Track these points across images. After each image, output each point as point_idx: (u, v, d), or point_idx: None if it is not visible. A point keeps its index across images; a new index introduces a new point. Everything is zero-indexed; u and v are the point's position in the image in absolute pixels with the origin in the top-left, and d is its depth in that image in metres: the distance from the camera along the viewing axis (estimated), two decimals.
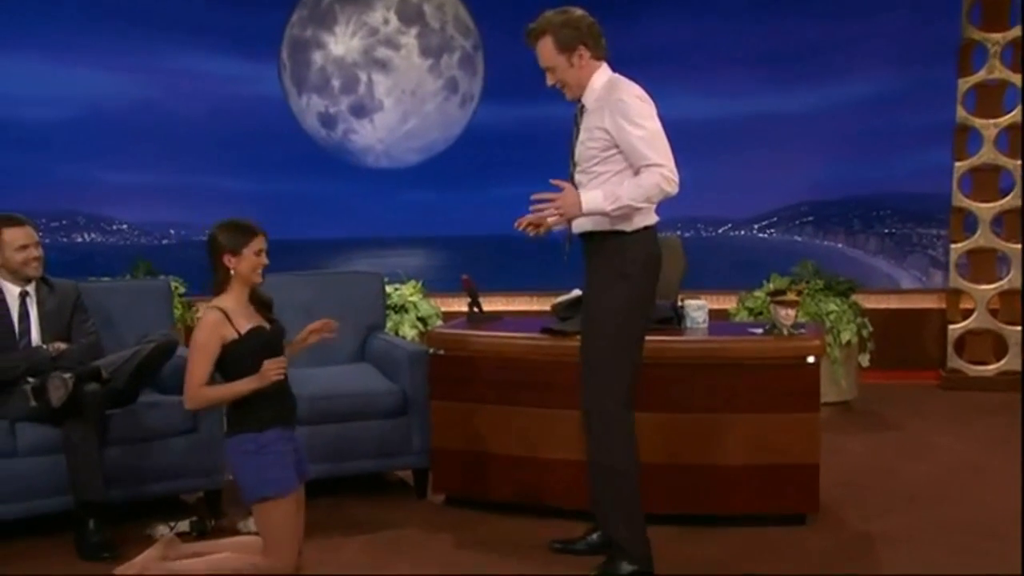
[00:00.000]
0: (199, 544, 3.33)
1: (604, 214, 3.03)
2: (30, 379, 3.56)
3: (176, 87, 6.62)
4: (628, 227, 3.09)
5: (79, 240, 6.72)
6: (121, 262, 6.13)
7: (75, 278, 4.10)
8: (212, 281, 3.18)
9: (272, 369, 3.06)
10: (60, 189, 6.53)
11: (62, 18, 6.38)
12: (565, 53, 3.10)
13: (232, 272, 3.14)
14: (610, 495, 3.15)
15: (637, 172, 3.04)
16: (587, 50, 3.10)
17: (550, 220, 3.10)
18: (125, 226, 6.84)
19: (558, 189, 3.10)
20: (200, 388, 3.08)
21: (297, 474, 3.17)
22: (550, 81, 3.17)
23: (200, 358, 3.07)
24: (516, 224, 3.20)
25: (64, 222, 6.68)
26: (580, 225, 3.15)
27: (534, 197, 3.11)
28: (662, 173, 2.98)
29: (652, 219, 3.15)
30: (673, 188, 3.00)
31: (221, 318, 3.09)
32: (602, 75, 3.14)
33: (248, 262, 3.14)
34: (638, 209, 3.05)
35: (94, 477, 3.48)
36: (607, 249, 3.09)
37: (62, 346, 3.75)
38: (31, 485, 3.54)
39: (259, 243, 3.18)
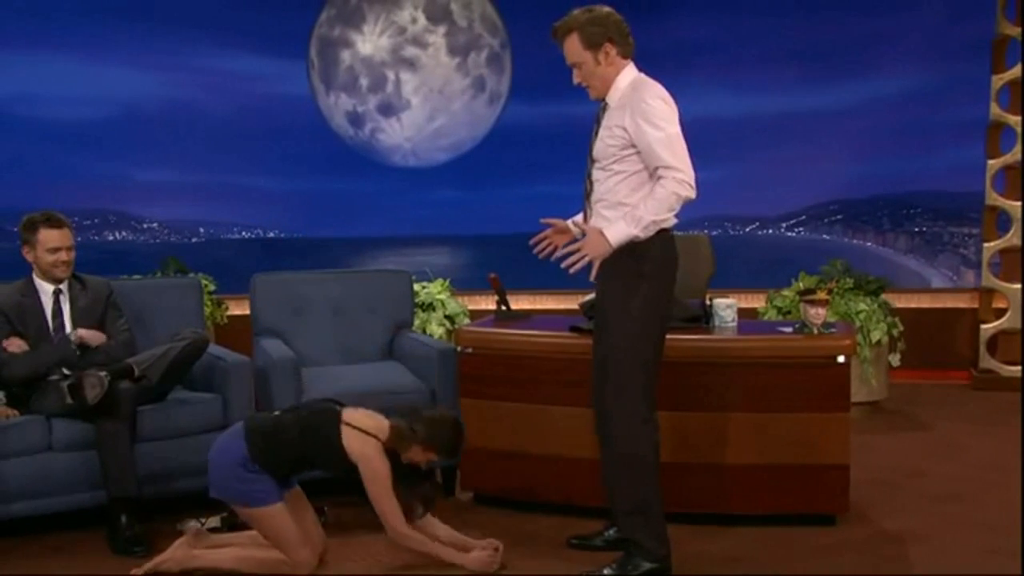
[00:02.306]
0: (227, 536, 3.38)
1: (635, 238, 3.01)
2: (67, 373, 3.60)
3: (206, 86, 6.67)
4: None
5: (110, 238, 6.79)
6: (151, 260, 6.18)
7: (106, 276, 4.15)
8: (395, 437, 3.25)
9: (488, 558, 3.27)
10: (92, 188, 6.61)
11: (95, 19, 6.45)
12: (591, 50, 3.09)
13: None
14: (630, 494, 3.14)
15: (652, 173, 3.03)
16: (614, 47, 3.09)
17: (579, 265, 3.06)
18: (155, 224, 6.90)
19: (548, 227, 3.16)
20: (409, 530, 3.18)
21: (280, 489, 3.23)
22: (576, 79, 3.17)
23: (389, 490, 3.16)
24: (532, 243, 3.24)
25: (96, 220, 6.76)
26: (595, 224, 3.13)
27: (560, 254, 3.13)
28: (675, 177, 2.96)
29: (670, 222, 3.12)
30: (690, 193, 2.98)
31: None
32: (628, 74, 3.13)
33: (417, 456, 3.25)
34: (664, 220, 3.03)
35: (126, 473, 3.53)
36: (623, 250, 3.06)
37: (84, 332, 3.78)
38: (65, 480, 3.59)
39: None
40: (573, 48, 3.12)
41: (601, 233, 3.01)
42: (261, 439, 3.20)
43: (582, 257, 3.02)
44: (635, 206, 3.02)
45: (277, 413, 3.36)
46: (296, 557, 3.22)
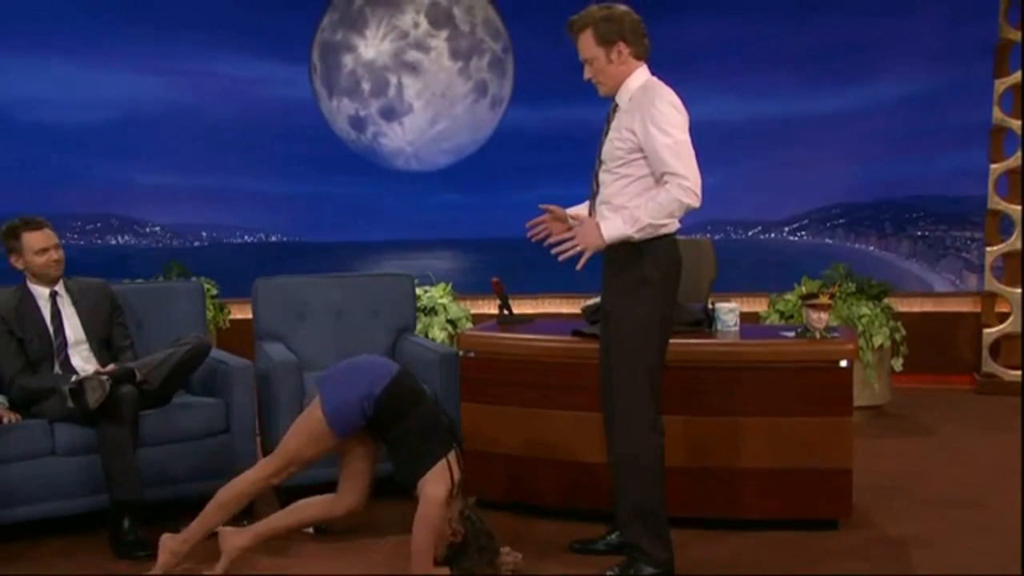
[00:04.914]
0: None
1: (628, 238, 3.01)
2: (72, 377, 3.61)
3: (208, 90, 6.69)
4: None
5: (113, 242, 6.81)
6: (154, 264, 6.20)
7: (108, 279, 4.16)
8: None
9: None
10: (95, 191, 6.63)
11: (97, 23, 6.48)
12: (604, 47, 3.09)
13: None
14: (634, 498, 3.14)
15: (658, 179, 3.02)
16: (627, 47, 3.09)
17: (569, 253, 3.05)
18: (158, 228, 6.92)
19: (546, 212, 3.15)
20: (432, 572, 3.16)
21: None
22: (587, 75, 3.16)
23: (432, 537, 3.15)
24: (528, 225, 3.27)
25: (98, 224, 6.78)
26: None
27: (553, 240, 3.13)
28: (680, 184, 2.95)
29: (673, 227, 3.12)
30: (694, 201, 2.96)
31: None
32: (639, 76, 3.12)
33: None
34: (662, 225, 3.02)
35: (129, 477, 3.53)
36: (627, 255, 3.07)
37: (90, 368, 3.79)
38: (68, 484, 3.59)
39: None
40: (586, 44, 3.11)
41: (597, 226, 3.02)
42: (392, 396, 3.22)
43: (574, 246, 3.02)
44: (636, 206, 3.02)
45: (427, 390, 3.40)
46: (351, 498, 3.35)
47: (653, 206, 2.98)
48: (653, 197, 3.00)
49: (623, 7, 3.14)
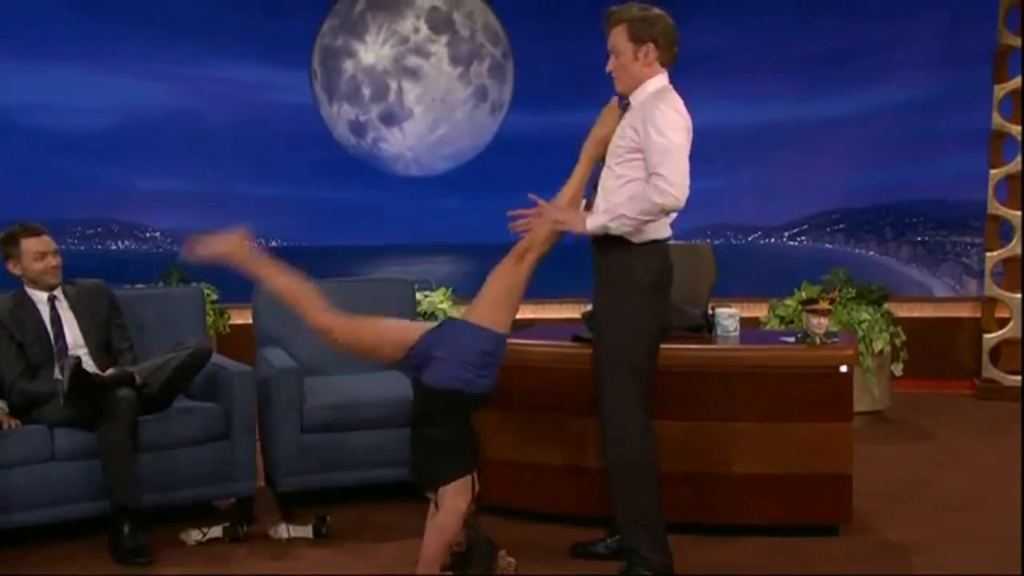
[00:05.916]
0: None
1: (605, 229, 3.04)
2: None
3: (209, 95, 6.69)
4: (637, 239, 3.09)
5: (113, 247, 6.80)
6: (154, 269, 6.19)
7: (108, 285, 4.15)
8: None
9: None
10: (96, 196, 6.62)
11: (98, 28, 6.48)
12: (634, 44, 3.12)
13: None
14: (630, 503, 3.14)
15: (648, 178, 3.04)
16: (656, 50, 3.12)
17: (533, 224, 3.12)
18: (158, 233, 6.91)
19: (534, 204, 3.22)
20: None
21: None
22: (609, 67, 3.19)
23: (444, 545, 3.14)
24: (510, 214, 3.33)
25: (99, 229, 6.77)
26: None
27: (511, 213, 3.20)
28: (657, 184, 2.96)
29: (664, 233, 3.15)
30: (670, 202, 2.96)
31: None
32: (658, 81, 3.15)
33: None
34: (638, 221, 3.03)
35: (129, 482, 3.53)
36: (617, 261, 3.10)
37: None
38: (67, 489, 3.59)
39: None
40: (618, 37, 3.15)
41: (581, 214, 3.11)
42: (472, 398, 3.19)
43: (539, 214, 3.12)
44: (619, 203, 3.06)
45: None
46: (341, 321, 3.25)
47: (633, 203, 3.02)
48: (636, 194, 3.03)
49: (661, 11, 3.17)
